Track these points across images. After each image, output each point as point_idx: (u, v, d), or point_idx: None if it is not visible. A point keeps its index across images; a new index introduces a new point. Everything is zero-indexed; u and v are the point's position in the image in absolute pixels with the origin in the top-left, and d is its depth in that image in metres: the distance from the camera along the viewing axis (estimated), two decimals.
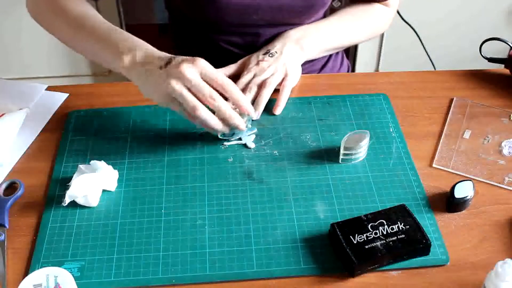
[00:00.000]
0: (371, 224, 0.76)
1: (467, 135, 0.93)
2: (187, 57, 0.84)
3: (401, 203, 0.79)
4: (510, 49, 1.03)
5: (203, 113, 0.83)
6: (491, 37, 1.03)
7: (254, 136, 0.92)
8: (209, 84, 0.83)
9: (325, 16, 1.12)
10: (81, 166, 0.85)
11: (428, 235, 0.75)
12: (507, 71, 1.04)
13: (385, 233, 0.75)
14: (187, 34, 1.14)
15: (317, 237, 0.78)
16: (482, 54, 1.03)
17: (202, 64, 0.83)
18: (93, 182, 0.81)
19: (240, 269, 0.74)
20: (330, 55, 1.17)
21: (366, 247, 0.73)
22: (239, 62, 1.01)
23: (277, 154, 0.90)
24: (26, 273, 0.74)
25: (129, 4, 2.07)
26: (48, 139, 0.93)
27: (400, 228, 0.75)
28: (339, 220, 0.77)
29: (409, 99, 1.00)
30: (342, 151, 0.87)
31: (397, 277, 0.74)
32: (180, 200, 0.83)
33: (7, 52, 2.04)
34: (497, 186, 0.85)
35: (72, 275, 0.66)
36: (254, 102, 0.94)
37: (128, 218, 0.81)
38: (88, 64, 2.08)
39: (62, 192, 0.82)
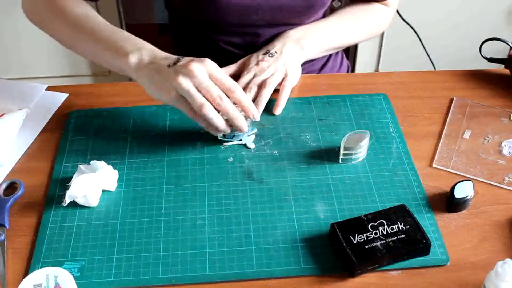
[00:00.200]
0: (371, 224, 0.76)
1: (467, 135, 0.93)
2: (195, 57, 0.85)
3: (401, 203, 0.79)
4: (510, 49, 1.03)
5: (210, 111, 0.83)
6: (491, 37, 1.03)
7: (254, 136, 0.92)
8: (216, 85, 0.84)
9: (325, 16, 1.12)
10: (81, 166, 0.85)
11: (428, 235, 0.75)
12: (507, 71, 1.04)
13: (385, 233, 0.75)
14: (187, 34, 1.14)
15: (317, 237, 0.78)
16: (482, 54, 1.03)
17: (211, 65, 0.84)
18: (93, 182, 0.81)
19: (240, 269, 0.74)
20: (330, 55, 1.18)
21: (366, 247, 0.73)
22: (239, 62, 1.01)
23: (277, 154, 0.90)
24: (26, 273, 0.74)
25: (129, 4, 2.07)
26: (48, 139, 0.93)
27: (400, 228, 0.75)
28: (339, 220, 0.77)
29: (409, 99, 1.00)
30: (342, 151, 0.87)
31: (397, 277, 0.74)
32: (180, 200, 0.83)
33: (7, 52, 2.04)
34: (497, 186, 0.85)
35: (72, 275, 0.66)
36: (254, 102, 0.94)
37: (128, 218, 0.81)
38: (88, 64, 2.08)
39: (62, 192, 0.82)
